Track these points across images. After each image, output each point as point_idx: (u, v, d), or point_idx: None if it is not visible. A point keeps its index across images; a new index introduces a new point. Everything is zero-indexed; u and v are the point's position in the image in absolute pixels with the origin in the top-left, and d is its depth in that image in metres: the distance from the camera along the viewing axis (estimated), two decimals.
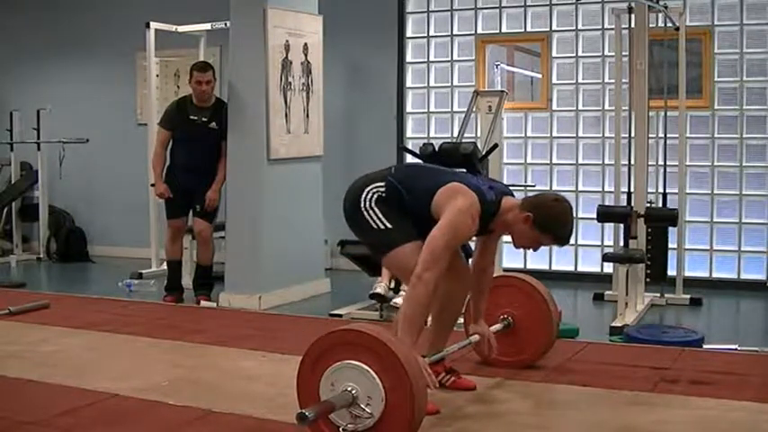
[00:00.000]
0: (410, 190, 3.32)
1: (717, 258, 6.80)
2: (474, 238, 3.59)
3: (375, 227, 3.30)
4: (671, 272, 6.18)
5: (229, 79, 6.32)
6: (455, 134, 6.96)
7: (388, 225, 3.28)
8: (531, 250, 3.44)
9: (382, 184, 3.34)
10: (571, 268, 7.13)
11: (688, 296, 6.22)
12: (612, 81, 6.65)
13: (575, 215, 6.60)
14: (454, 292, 3.50)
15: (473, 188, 3.29)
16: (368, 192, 3.33)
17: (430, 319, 3.53)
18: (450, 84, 7.51)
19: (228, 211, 6.22)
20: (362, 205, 3.32)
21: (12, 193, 8.72)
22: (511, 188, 3.59)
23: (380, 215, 3.30)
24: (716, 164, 6.76)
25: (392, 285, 5.44)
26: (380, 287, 5.42)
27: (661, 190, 6.16)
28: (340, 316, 5.57)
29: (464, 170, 3.53)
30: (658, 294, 6.20)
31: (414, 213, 3.29)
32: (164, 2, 8.11)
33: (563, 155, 7.18)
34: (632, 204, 5.82)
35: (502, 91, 6.79)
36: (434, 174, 3.43)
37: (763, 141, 6.64)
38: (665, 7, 6.02)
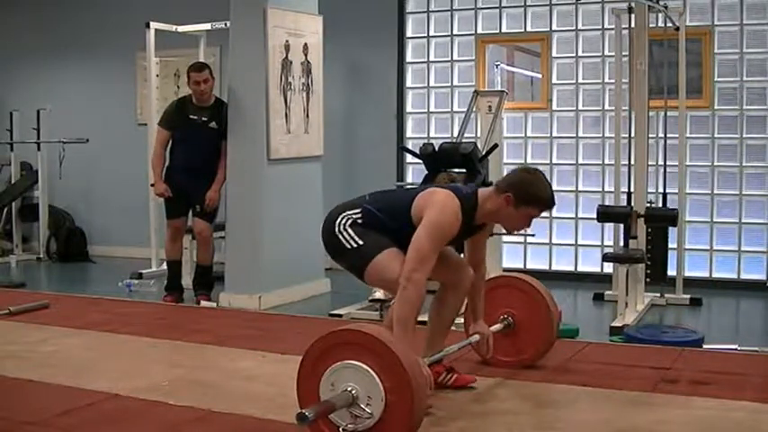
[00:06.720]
0: (388, 211, 3.36)
1: (717, 258, 6.79)
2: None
3: (349, 246, 3.34)
4: (671, 272, 6.18)
5: (229, 79, 6.32)
6: (455, 134, 6.95)
7: (360, 242, 3.32)
8: (526, 229, 3.43)
9: (358, 210, 3.38)
10: (571, 268, 7.13)
11: (688, 296, 6.22)
12: (612, 81, 6.65)
13: (575, 215, 6.56)
14: (453, 288, 3.49)
15: (448, 188, 3.38)
16: (342, 218, 3.38)
17: (427, 318, 3.53)
18: (450, 84, 7.51)
19: (228, 211, 6.22)
20: (336, 230, 3.37)
21: (12, 193, 8.72)
22: None
23: (353, 234, 3.34)
24: (716, 164, 6.75)
25: None
26: (380, 292, 5.41)
27: (661, 190, 6.16)
28: (340, 316, 5.56)
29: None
30: (658, 294, 6.19)
31: (395, 231, 3.31)
32: (164, 2, 8.11)
33: (563, 155, 7.18)
34: (632, 204, 5.81)
35: (502, 91, 6.79)
36: (409, 191, 3.55)
37: (763, 141, 6.64)
38: (665, 7, 6.01)
